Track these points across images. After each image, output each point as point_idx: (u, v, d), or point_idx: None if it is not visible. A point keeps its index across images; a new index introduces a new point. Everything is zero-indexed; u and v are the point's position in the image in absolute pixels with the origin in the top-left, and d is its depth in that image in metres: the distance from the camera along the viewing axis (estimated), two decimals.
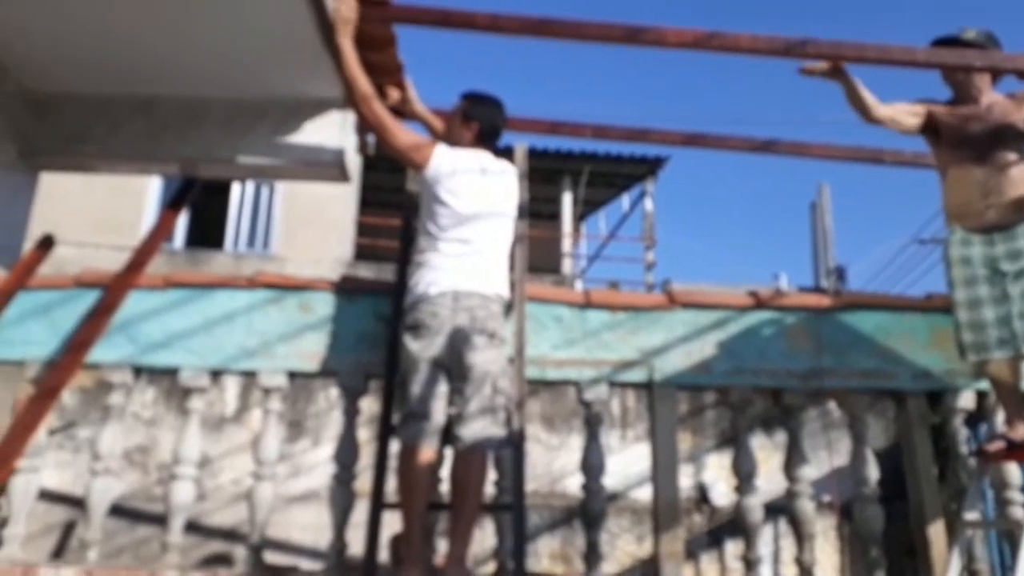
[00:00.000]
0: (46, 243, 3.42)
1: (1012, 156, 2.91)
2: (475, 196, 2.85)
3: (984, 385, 3.23)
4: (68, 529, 6.32)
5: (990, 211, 2.91)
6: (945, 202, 3.07)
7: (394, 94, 3.08)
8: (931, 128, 3.10)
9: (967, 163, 2.97)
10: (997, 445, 2.92)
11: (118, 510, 5.90)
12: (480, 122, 3.01)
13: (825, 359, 3.23)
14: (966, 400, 3.29)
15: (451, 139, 3.02)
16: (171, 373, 3.21)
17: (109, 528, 3.84)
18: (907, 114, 3.09)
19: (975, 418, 3.43)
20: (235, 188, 11.66)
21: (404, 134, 2.91)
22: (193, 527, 5.99)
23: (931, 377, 3.28)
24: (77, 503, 3.41)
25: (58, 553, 6.20)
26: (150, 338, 3.17)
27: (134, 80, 3.25)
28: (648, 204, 13.24)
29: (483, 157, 2.98)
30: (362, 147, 3.45)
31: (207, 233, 11.81)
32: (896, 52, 2.81)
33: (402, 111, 3.15)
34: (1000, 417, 3.22)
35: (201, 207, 10.95)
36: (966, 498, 3.00)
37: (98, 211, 10.39)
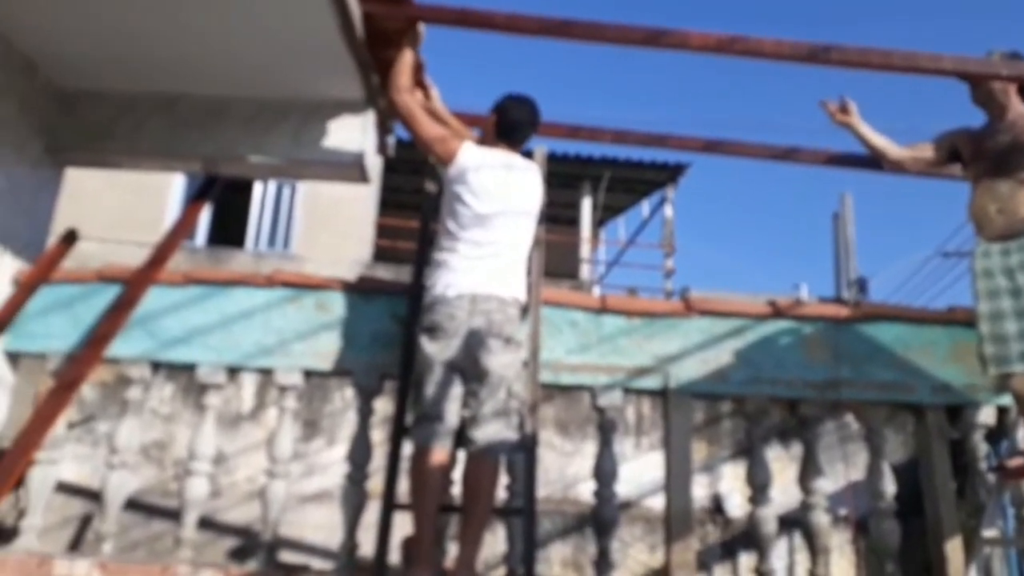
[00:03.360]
0: (69, 238, 3.47)
1: None
2: (497, 195, 2.82)
3: (1005, 400, 3.17)
4: (85, 522, 6.38)
5: (1000, 217, 2.89)
6: (968, 214, 3.06)
7: (417, 95, 3.09)
8: (956, 153, 3.14)
9: (984, 176, 2.98)
10: (1018, 461, 2.87)
11: (134, 504, 5.96)
12: (500, 116, 2.97)
13: (843, 370, 3.19)
14: (987, 415, 3.24)
15: (485, 140, 3.02)
16: (189, 369, 3.23)
17: (125, 522, 3.88)
18: (926, 148, 3.18)
19: (996, 434, 3.37)
20: (257, 187, 11.76)
21: (431, 126, 2.92)
22: (208, 524, 6.03)
23: (951, 391, 3.23)
24: (94, 496, 3.44)
25: (75, 545, 6.26)
26: (169, 333, 3.20)
27: (159, 78, 3.30)
28: (668, 211, 13.18)
29: (511, 156, 2.95)
30: (382, 148, 3.47)
31: (228, 232, 11.91)
32: (923, 59, 2.79)
33: None
34: (1021, 433, 3.17)
35: (223, 206, 11.05)
36: (985, 515, 2.94)
37: (121, 208, 10.51)
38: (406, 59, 2.92)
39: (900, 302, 10.38)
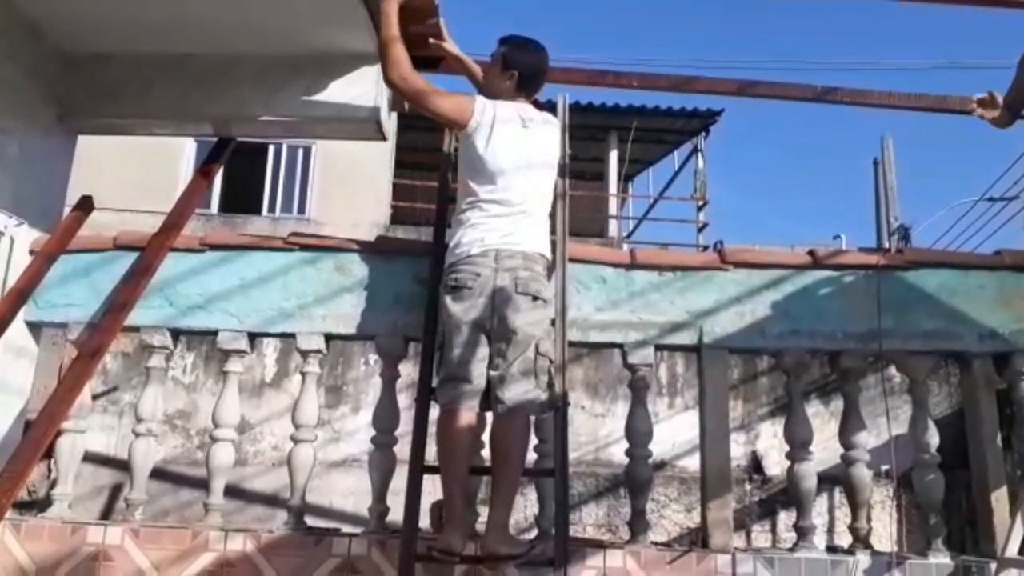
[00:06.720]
0: (86, 205, 3.41)
1: None
2: (516, 150, 2.72)
3: None
4: (115, 491, 6.45)
5: None
6: None
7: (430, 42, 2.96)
8: None
9: None
10: None
11: (162, 474, 6.00)
12: (519, 69, 2.85)
13: (885, 320, 3.05)
14: None
15: (490, 90, 2.90)
16: (209, 335, 3.18)
17: (153, 491, 3.88)
18: None
19: None
20: (271, 152, 11.66)
21: (442, 97, 2.76)
22: (235, 492, 6.06)
23: (998, 338, 3.09)
24: (122, 466, 3.43)
25: (106, 515, 6.34)
26: (188, 300, 3.14)
27: (167, 38, 3.20)
28: (700, 161, 12.81)
29: (524, 108, 2.85)
30: (398, 102, 3.35)
31: (243, 198, 11.84)
32: None
33: (440, 57, 3.01)
34: None
35: (237, 172, 10.95)
36: None
37: (134, 178, 10.44)
38: (393, 26, 2.74)
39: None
